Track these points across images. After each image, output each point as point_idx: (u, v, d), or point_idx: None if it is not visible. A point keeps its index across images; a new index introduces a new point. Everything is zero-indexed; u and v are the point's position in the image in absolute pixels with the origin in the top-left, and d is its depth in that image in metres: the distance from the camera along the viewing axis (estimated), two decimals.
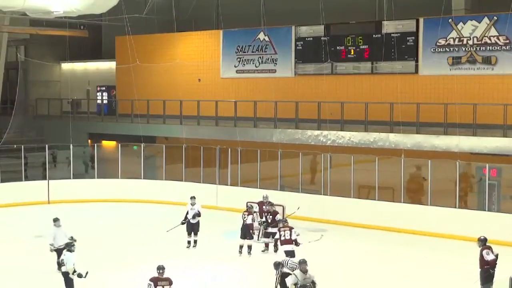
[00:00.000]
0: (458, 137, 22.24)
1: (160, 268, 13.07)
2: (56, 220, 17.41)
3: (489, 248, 14.84)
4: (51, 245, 16.89)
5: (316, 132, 25.35)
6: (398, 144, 23.48)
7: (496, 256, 14.85)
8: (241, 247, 19.19)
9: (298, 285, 13.29)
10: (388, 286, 16.93)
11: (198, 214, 19.79)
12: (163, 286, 12.86)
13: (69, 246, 14.84)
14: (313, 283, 13.44)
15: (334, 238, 21.67)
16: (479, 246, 14.93)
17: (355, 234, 22.17)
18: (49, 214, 25.30)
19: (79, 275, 14.51)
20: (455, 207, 21.99)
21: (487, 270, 14.68)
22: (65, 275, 14.55)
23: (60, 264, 15.28)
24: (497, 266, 14.78)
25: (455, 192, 22.03)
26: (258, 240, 20.30)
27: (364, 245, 20.66)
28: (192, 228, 19.74)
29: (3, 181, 26.70)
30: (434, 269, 18.03)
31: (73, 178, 28.01)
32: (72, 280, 14.56)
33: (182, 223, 19.76)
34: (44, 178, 27.91)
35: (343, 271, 17.83)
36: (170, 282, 13.01)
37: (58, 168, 29.77)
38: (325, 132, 25.08)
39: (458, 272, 17.35)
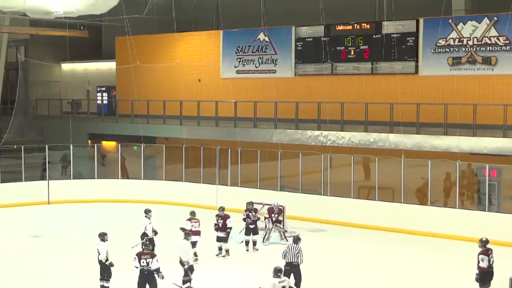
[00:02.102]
0: (458, 137, 22.24)
1: (145, 245, 14.91)
2: (187, 234, 16.35)
3: (486, 253, 14.72)
4: (186, 262, 15.55)
5: (316, 133, 25.36)
6: (398, 144, 23.49)
7: (490, 265, 14.70)
8: (247, 243, 19.70)
9: None
10: (388, 286, 16.93)
11: (155, 231, 18.45)
12: (145, 259, 14.44)
13: (103, 236, 15.50)
14: None
15: (334, 238, 21.68)
16: (479, 247, 14.91)
17: (355, 234, 22.17)
18: (49, 214, 25.55)
19: (111, 264, 15.37)
20: (455, 207, 22.00)
21: (484, 272, 14.64)
22: (101, 263, 15.40)
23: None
24: (492, 272, 14.70)
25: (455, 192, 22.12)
26: (263, 242, 20.44)
27: (364, 245, 20.66)
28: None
29: (3, 181, 26.70)
30: (434, 269, 18.02)
31: (73, 179, 28.03)
32: (108, 267, 15.37)
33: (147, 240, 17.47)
34: (43, 178, 27.94)
35: (342, 271, 17.82)
36: (152, 255, 14.55)
37: (55, 168, 29.80)
38: (325, 133, 25.09)
39: (457, 272, 17.34)
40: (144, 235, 17.71)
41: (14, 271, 17.74)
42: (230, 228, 18.87)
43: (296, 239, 15.63)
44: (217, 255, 19.02)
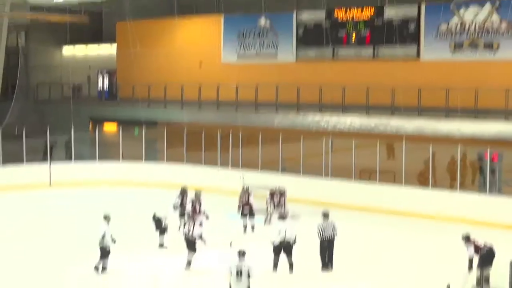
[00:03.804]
0: (460, 122, 22.28)
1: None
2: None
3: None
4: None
5: (317, 117, 25.37)
6: (399, 129, 23.52)
7: (483, 247, 14.70)
8: (245, 226, 19.96)
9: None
10: (391, 269, 16.98)
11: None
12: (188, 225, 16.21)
13: (105, 218, 15.73)
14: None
15: (336, 220, 21.68)
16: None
17: (357, 216, 22.20)
18: (51, 197, 25.58)
19: (104, 247, 15.59)
20: (457, 190, 22.02)
21: (483, 255, 14.66)
22: (101, 249, 15.71)
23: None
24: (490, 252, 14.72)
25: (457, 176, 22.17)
26: (265, 225, 20.50)
27: (366, 228, 20.70)
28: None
29: (4, 165, 26.71)
30: (436, 252, 18.08)
31: (74, 162, 28.04)
32: (103, 249, 15.62)
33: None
34: (45, 161, 27.96)
35: (344, 253, 17.87)
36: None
37: (57, 152, 29.78)
38: (326, 117, 25.09)
39: (460, 255, 17.37)
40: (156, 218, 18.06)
41: (13, 255, 17.73)
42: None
43: (327, 214, 15.77)
44: None
